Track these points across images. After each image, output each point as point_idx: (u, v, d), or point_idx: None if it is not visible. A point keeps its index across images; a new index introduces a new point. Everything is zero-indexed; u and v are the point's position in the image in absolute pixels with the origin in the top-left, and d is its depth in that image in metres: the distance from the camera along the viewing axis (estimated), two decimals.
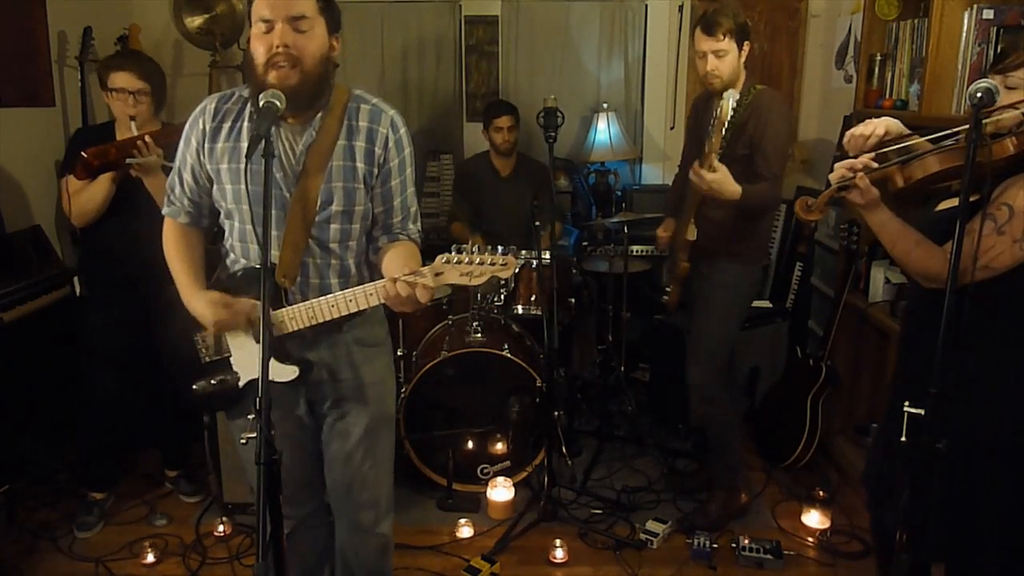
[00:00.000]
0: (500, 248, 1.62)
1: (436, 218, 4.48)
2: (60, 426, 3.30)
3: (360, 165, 1.83)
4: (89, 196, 2.72)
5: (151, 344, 2.90)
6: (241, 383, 1.93)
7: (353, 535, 2.08)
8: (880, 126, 1.89)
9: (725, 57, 2.64)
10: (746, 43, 2.67)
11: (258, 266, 1.85)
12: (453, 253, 1.61)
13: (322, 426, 2.00)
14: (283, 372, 1.83)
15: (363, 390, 1.97)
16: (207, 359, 1.96)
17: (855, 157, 1.90)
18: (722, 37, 2.61)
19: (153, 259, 2.75)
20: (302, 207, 1.80)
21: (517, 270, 3.47)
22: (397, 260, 1.80)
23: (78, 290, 3.14)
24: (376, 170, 1.85)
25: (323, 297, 1.79)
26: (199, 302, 1.86)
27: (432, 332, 3.45)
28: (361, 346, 1.96)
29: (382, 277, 1.78)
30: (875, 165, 1.84)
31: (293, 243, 1.81)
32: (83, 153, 2.58)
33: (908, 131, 1.91)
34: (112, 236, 2.81)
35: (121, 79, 2.73)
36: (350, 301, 1.76)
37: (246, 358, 1.91)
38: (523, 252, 3.48)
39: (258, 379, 1.85)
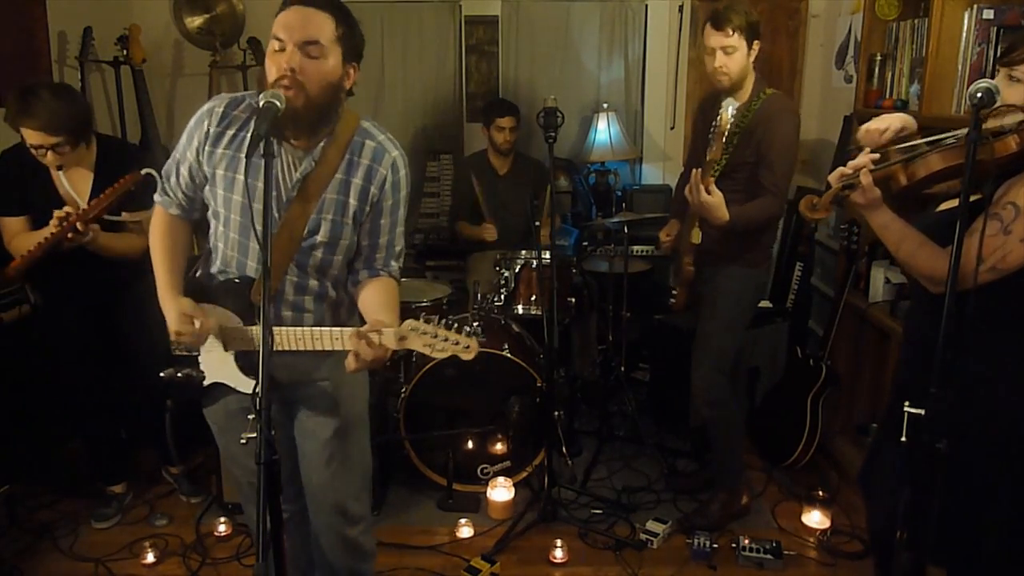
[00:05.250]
0: (466, 328, 1.63)
1: (436, 218, 4.49)
2: (61, 425, 3.30)
3: (352, 201, 1.83)
4: (33, 239, 2.54)
5: (127, 343, 2.90)
6: (206, 383, 1.93)
7: (324, 536, 2.09)
8: (896, 121, 1.88)
9: (734, 54, 2.61)
10: (756, 42, 2.64)
11: (237, 280, 1.86)
12: (420, 321, 1.62)
13: (295, 428, 2.01)
14: (245, 383, 1.85)
15: (335, 391, 1.97)
16: (177, 352, 1.96)
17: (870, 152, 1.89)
18: (731, 32, 2.58)
19: (114, 262, 2.64)
20: (288, 233, 1.80)
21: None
22: (372, 305, 1.83)
23: (31, 298, 3.01)
24: (368, 208, 1.85)
25: (294, 328, 1.79)
26: (171, 308, 1.86)
27: None
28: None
29: (357, 307, 1.87)
30: (872, 167, 1.83)
31: (273, 264, 1.79)
32: (5, 271, 2.46)
33: (915, 132, 1.90)
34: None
35: (32, 136, 2.49)
36: (316, 340, 1.76)
37: (212, 362, 1.92)
38: (523, 252, 3.49)
39: (221, 383, 1.89)
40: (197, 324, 1.79)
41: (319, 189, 1.79)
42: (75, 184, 2.65)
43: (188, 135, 1.87)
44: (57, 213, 2.50)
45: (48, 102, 2.48)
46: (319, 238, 1.82)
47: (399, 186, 1.86)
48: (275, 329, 1.78)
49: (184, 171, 1.90)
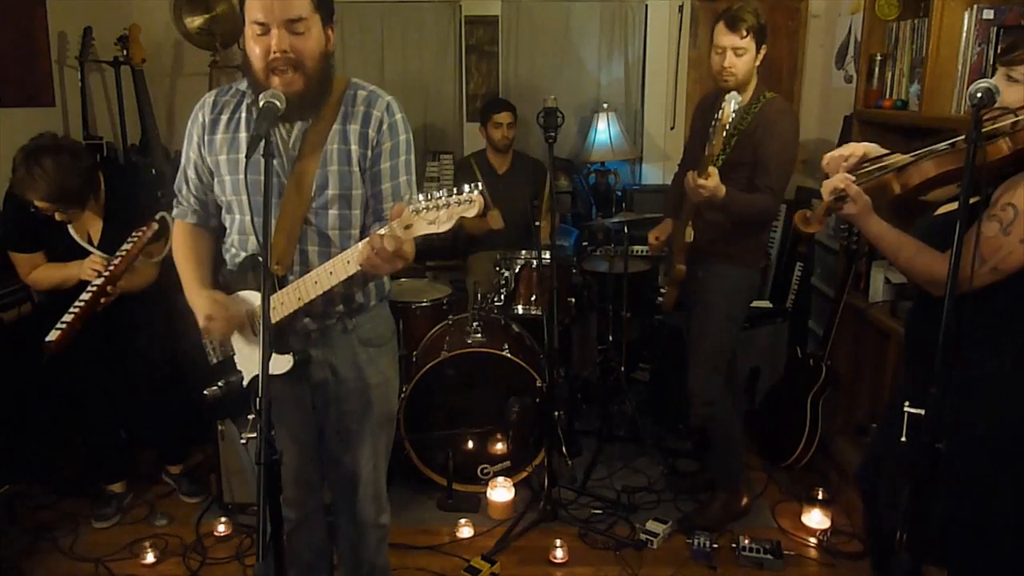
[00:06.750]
0: (467, 186, 1.55)
1: None
2: (60, 425, 3.30)
3: (355, 148, 1.81)
4: (54, 278, 2.74)
5: (128, 343, 2.92)
6: (245, 382, 1.92)
7: (356, 529, 2.10)
8: (859, 148, 1.91)
9: (744, 56, 2.62)
10: (764, 46, 2.66)
11: (260, 256, 1.85)
12: (421, 200, 1.57)
13: (325, 425, 2.01)
14: (279, 363, 1.81)
15: (367, 391, 1.97)
16: (214, 360, 1.97)
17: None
18: (744, 34, 2.59)
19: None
20: (297, 192, 1.79)
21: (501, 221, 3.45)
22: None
23: (35, 297, 3.02)
24: (369, 152, 1.83)
25: (305, 276, 1.76)
26: (199, 298, 1.87)
27: (432, 332, 3.45)
28: (366, 347, 1.96)
29: None
30: (852, 178, 1.84)
31: (287, 229, 1.80)
32: (50, 348, 2.46)
33: (886, 151, 1.91)
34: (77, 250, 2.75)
35: (38, 200, 2.58)
36: (331, 273, 1.73)
37: (248, 355, 1.92)
38: (523, 252, 3.49)
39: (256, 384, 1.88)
40: (228, 311, 1.81)
41: (320, 142, 1.79)
42: (87, 225, 2.76)
43: (188, 136, 1.88)
44: (89, 287, 2.55)
45: (50, 171, 2.53)
46: (330, 191, 1.81)
47: (396, 129, 1.84)
48: (292, 285, 1.77)
49: (191, 173, 1.91)
